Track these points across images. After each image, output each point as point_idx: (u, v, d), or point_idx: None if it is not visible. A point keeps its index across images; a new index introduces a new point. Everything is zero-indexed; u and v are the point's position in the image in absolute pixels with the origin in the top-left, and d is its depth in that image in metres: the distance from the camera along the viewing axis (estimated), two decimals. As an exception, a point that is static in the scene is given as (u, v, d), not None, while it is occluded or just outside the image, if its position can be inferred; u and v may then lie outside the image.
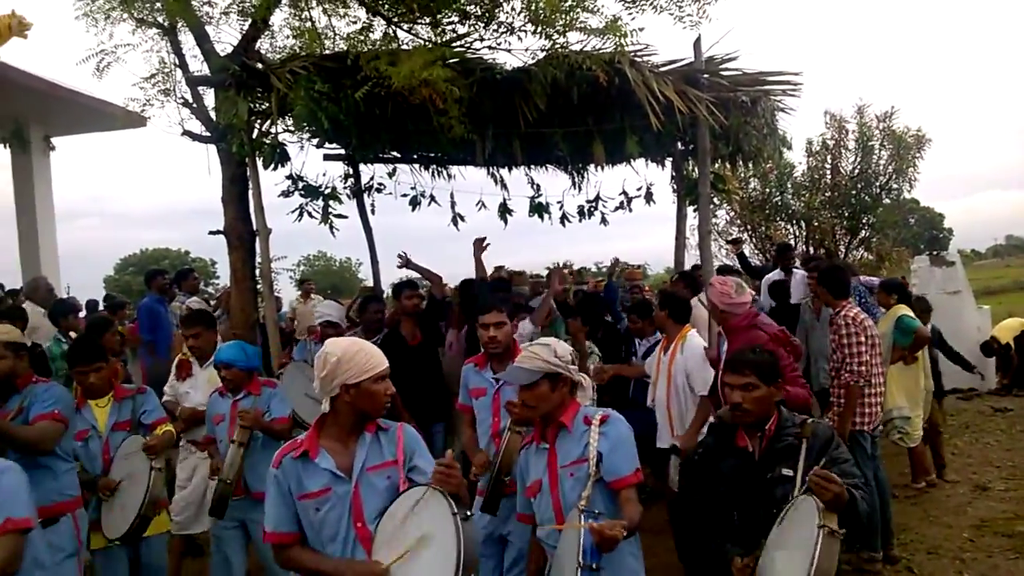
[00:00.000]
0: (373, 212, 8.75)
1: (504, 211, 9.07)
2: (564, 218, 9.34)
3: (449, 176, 8.96)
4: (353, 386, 2.94)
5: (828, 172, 17.68)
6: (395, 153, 8.49)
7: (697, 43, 6.37)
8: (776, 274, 9.25)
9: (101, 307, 13.06)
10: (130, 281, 40.17)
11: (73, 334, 7.40)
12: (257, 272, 6.69)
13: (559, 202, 9.28)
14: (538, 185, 9.14)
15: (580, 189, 9.20)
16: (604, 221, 9.37)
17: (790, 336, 5.29)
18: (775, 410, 3.43)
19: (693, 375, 5.50)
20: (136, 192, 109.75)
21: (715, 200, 11.35)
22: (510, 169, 8.84)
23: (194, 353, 5.85)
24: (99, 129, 12.48)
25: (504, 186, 8.97)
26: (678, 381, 5.59)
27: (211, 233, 6.68)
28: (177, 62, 6.64)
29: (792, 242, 17.16)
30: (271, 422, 4.97)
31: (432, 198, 8.89)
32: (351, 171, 8.47)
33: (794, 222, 18.16)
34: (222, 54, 6.30)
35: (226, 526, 5.03)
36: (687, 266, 9.13)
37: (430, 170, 8.88)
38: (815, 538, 2.86)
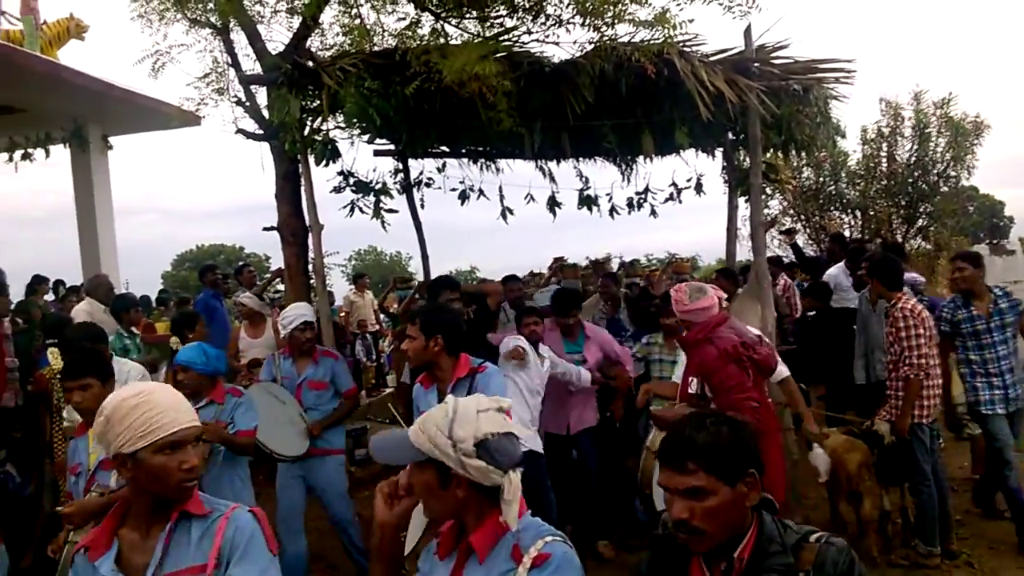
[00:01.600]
0: (423, 206, 8.82)
1: (553, 204, 9.07)
2: (613, 210, 9.30)
3: (498, 170, 8.99)
4: (129, 456, 2.18)
5: (884, 160, 17.33)
6: (444, 148, 8.53)
7: (747, 32, 6.29)
8: (839, 269, 8.89)
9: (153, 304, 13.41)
10: (187, 277, 40.97)
11: (135, 328, 7.60)
12: (310, 267, 6.78)
13: (608, 194, 9.24)
14: (586, 178, 9.13)
15: (629, 181, 9.15)
16: (654, 213, 9.30)
17: (754, 347, 4.44)
18: (752, 519, 2.12)
19: None
20: (192, 189, 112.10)
21: (767, 190, 11.20)
22: (558, 162, 8.84)
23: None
24: (155, 128, 12.72)
25: (552, 179, 8.99)
26: None
27: (265, 229, 6.80)
28: (230, 61, 6.77)
29: (848, 232, 16.88)
30: (234, 435, 4.56)
31: (481, 192, 8.93)
32: (401, 166, 8.54)
33: (849, 211, 17.87)
34: (273, 53, 6.39)
35: None
36: (739, 258, 9.03)
37: (479, 164, 8.92)
38: None
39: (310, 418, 5.67)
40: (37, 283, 10.67)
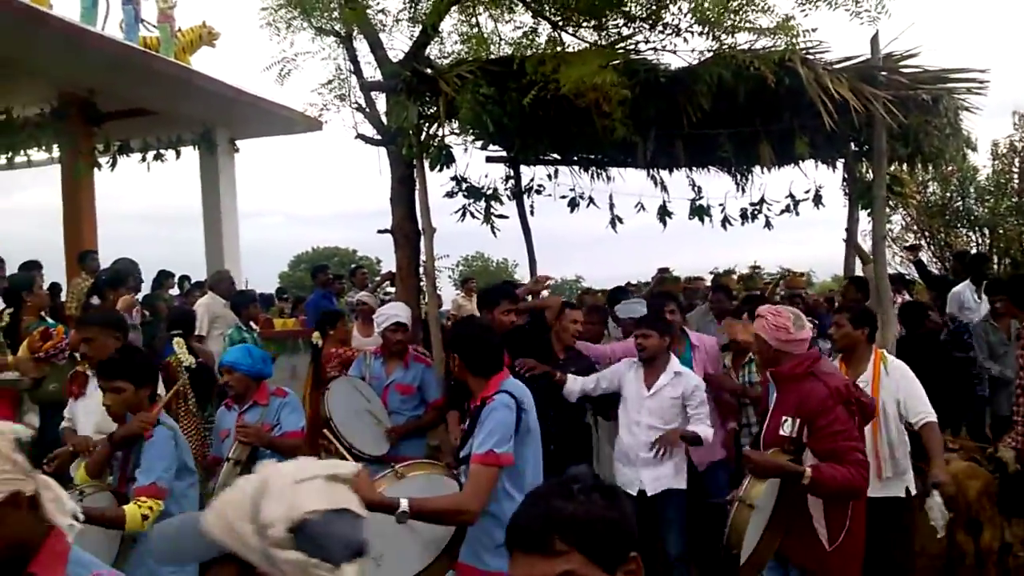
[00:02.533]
0: (532, 213, 8.86)
1: (664, 213, 8.96)
2: (726, 221, 9.12)
3: (609, 178, 8.95)
4: None
5: (1016, 176, 16.52)
6: (555, 155, 8.56)
7: (875, 39, 6.08)
8: (965, 286, 8.58)
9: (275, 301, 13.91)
10: (303, 277, 42.23)
11: (253, 323, 7.91)
12: (421, 270, 6.90)
13: (721, 204, 9.06)
14: (699, 187, 8.99)
15: (743, 191, 8.96)
16: (768, 225, 9.08)
17: (858, 391, 3.94)
18: None
19: (910, 401, 4.61)
20: (312, 193, 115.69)
21: (890, 204, 10.77)
22: (671, 171, 8.74)
23: (89, 364, 4.64)
24: (280, 133, 13.25)
25: (664, 188, 8.87)
26: (888, 411, 4.62)
27: (380, 232, 6.94)
28: (352, 68, 6.93)
29: (974, 251, 16.14)
30: (280, 437, 4.44)
31: (591, 200, 8.90)
32: (512, 173, 8.61)
33: (976, 229, 17.10)
34: (394, 60, 6.54)
35: None
36: (857, 274, 8.72)
37: (590, 172, 8.90)
38: None
39: (392, 423, 5.46)
40: (163, 278, 11.21)
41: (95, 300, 6.60)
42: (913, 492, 4.73)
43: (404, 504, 2.96)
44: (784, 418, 3.76)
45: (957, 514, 5.39)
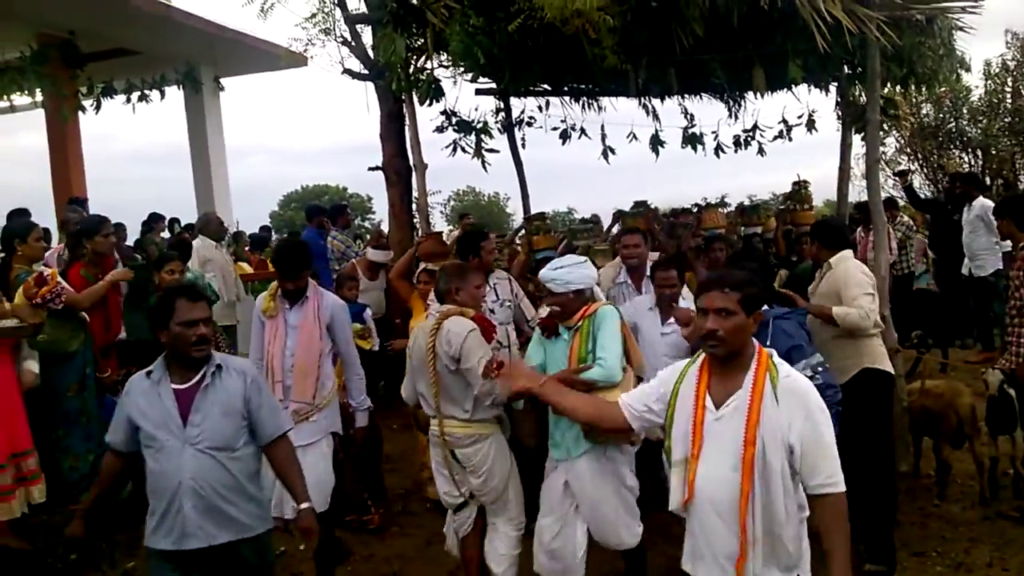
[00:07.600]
0: (524, 146, 8.78)
1: (656, 143, 8.90)
2: (719, 149, 9.07)
3: (600, 108, 8.86)
4: None
5: (1008, 96, 16.41)
6: (546, 86, 8.45)
7: (869, -42, 5.96)
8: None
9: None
10: (293, 216, 41.98)
11: (243, 263, 7.88)
12: (414, 206, 6.86)
13: (714, 132, 9.01)
14: (692, 115, 8.91)
15: (736, 118, 8.88)
16: (761, 151, 9.03)
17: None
18: None
19: (810, 452, 2.64)
20: (299, 130, 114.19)
21: (884, 127, 10.68)
22: (663, 99, 8.64)
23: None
24: (264, 69, 13.08)
25: (656, 117, 8.79)
26: (771, 462, 2.65)
27: (371, 169, 6.89)
28: (336, 1, 6.80)
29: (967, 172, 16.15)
30: None
31: (582, 131, 8.83)
32: (502, 105, 8.51)
33: (969, 150, 17.03)
34: (379, -9, 6.40)
35: None
36: (851, 199, 8.68)
37: (580, 103, 8.80)
38: None
39: None
40: (154, 221, 11.13)
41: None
42: None
43: None
44: None
45: (945, 430, 5.57)
